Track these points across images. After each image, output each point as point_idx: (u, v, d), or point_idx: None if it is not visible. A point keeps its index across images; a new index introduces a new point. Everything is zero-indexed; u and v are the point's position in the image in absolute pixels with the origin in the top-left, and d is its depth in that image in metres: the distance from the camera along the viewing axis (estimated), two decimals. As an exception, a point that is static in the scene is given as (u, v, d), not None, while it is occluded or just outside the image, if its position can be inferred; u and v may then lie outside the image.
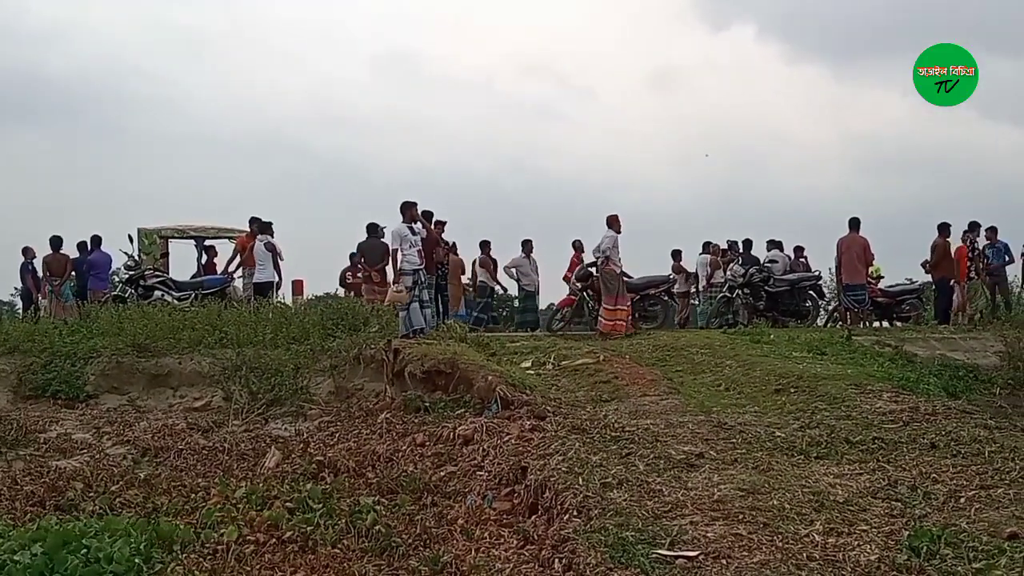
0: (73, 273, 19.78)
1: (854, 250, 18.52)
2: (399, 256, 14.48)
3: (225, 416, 12.03)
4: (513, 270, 21.16)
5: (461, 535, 7.40)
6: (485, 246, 21.40)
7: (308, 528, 7.36)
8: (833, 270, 20.25)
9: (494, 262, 21.36)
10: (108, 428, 11.61)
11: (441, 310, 16.88)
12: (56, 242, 19.54)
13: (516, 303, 22.36)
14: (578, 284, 18.22)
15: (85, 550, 6.62)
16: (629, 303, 17.22)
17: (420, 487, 8.66)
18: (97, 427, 11.68)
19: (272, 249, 17.69)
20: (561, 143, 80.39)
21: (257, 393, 12.43)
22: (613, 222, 17.23)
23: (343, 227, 73.24)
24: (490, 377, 11.50)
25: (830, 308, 21.45)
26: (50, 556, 6.50)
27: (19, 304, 21.92)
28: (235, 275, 19.23)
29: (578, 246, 20.79)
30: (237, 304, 16.79)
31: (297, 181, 69.72)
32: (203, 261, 21.41)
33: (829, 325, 19.78)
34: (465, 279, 21.13)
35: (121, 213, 56.11)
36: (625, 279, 18.31)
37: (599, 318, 16.95)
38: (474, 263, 21.24)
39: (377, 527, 7.35)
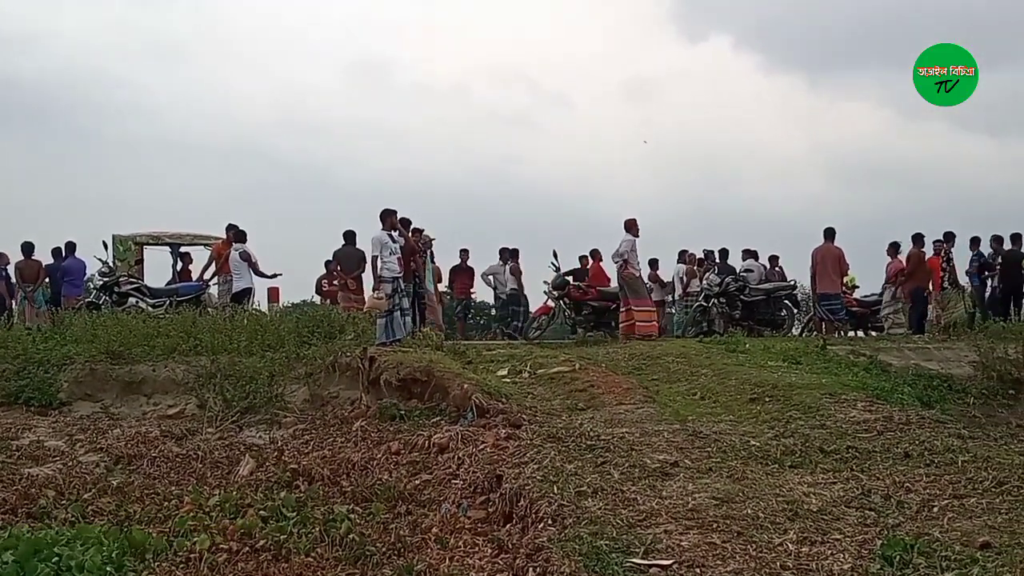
0: (47, 279, 19.67)
1: (829, 260, 18.67)
2: (379, 263, 14.50)
3: (199, 424, 11.97)
4: (490, 277, 21.17)
5: (435, 544, 7.37)
6: (515, 254, 21.34)
7: (282, 536, 7.31)
8: (808, 280, 20.33)
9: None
10: (81, 435, 11.52)
11: (418, 318, 16.85)
12: (28, 248, 19.41)
13: (493, 311, 22.35)
14: (554, 292, 18.22)
15: (57, 558, 6.56)
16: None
17: (395, 495, 8.63)
18: (70, 434, 11.59)
19: (247, 258, 17.66)
20: (536, 152, 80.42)
21: (231, 401, 12.38)
22: (631, 226, 17.34)
23: (318, 235, 73.01)
24: (466, 385, 11.49)
25: (805, 318, 21.55)
26: (21, 564, 6.44)
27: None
28: (210, 282, 19.15)
29: (596, 255, 20.83)
30: (212, 311, 16.73)
31: (272, 188, 69.52)
32: (178, 268, 21.31)
33: (804, 334, 19.86)
34: (442, 287, 21.11)
35: (95, 219, 55.83)
36: (601, 288, 18.38)
37: (636, 322, 16.96)
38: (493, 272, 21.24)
39: (351, 536, 7.32)
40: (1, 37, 68.07)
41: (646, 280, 21.20)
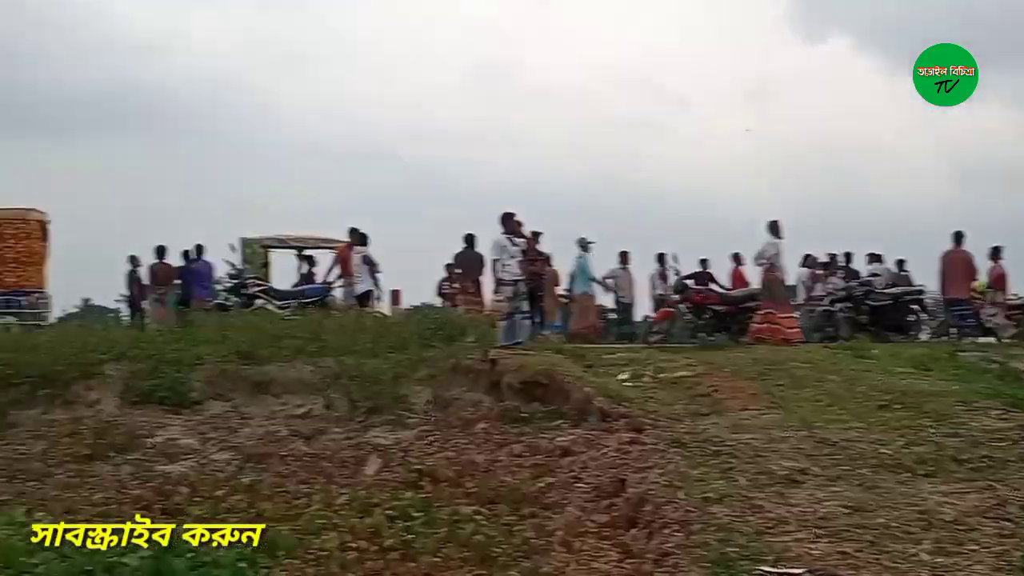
0: (177, 281, 20.22)
1: (958, 265, 18.18)
2: (499, 267, 14.58)
3: (326, 424, 12.15)
4: (610, 281, 21.08)
5: (561, 547, 7.40)
6: (662, 258, 21.27)
7: (409, 536, 7.42)
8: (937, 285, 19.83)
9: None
10: (212, 434, 11.79)
11: (538, 321, 16.89)
12: (161, 251, 19.99)
13: (613, 315, 22.26)
14: (675, 297, 18.09)
15: (192, 554, 6.75)
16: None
17: (519, 498, 8.67)
18: (202, 433, 11.86)
19: (368, 262, 17.92)
20: (656, 154, 79.66)
21: (357, 401, 12.53)
22: (775, 228, 17.12)
23: (437, 237, 73.65)
24: (587, 389, 11.47)
25: (935, 323, 21.00)
26: (157, 560, 6.64)
27: (125, 311, 22.34)
28: (334, 284, 19.46)
29: (738, 258, 20.64)
30: (337, 313, 17.00)
31: (392, 191, 70.18)
32: (303, 271, 21.70)
33: (934, 340, 19.36)
34: (560, 290, 21.10)
35: (224, 222, 57.18)
36: (722, 292, 18.19)
37: (783, 328, 16.79)
38: (652, 276, 21.23)
39: (477, 537, 7.39)
40: (134, 44, 70.54)
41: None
